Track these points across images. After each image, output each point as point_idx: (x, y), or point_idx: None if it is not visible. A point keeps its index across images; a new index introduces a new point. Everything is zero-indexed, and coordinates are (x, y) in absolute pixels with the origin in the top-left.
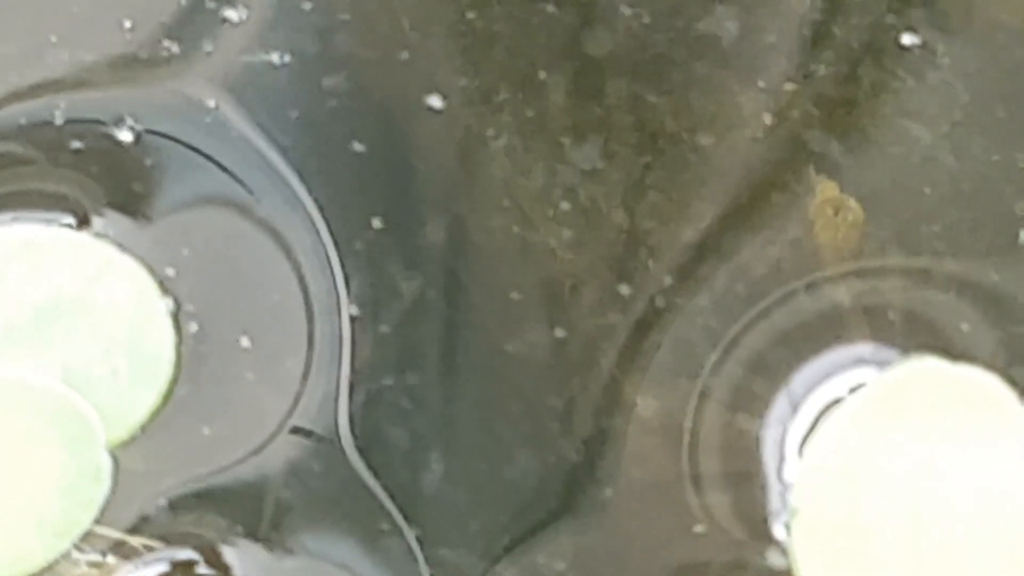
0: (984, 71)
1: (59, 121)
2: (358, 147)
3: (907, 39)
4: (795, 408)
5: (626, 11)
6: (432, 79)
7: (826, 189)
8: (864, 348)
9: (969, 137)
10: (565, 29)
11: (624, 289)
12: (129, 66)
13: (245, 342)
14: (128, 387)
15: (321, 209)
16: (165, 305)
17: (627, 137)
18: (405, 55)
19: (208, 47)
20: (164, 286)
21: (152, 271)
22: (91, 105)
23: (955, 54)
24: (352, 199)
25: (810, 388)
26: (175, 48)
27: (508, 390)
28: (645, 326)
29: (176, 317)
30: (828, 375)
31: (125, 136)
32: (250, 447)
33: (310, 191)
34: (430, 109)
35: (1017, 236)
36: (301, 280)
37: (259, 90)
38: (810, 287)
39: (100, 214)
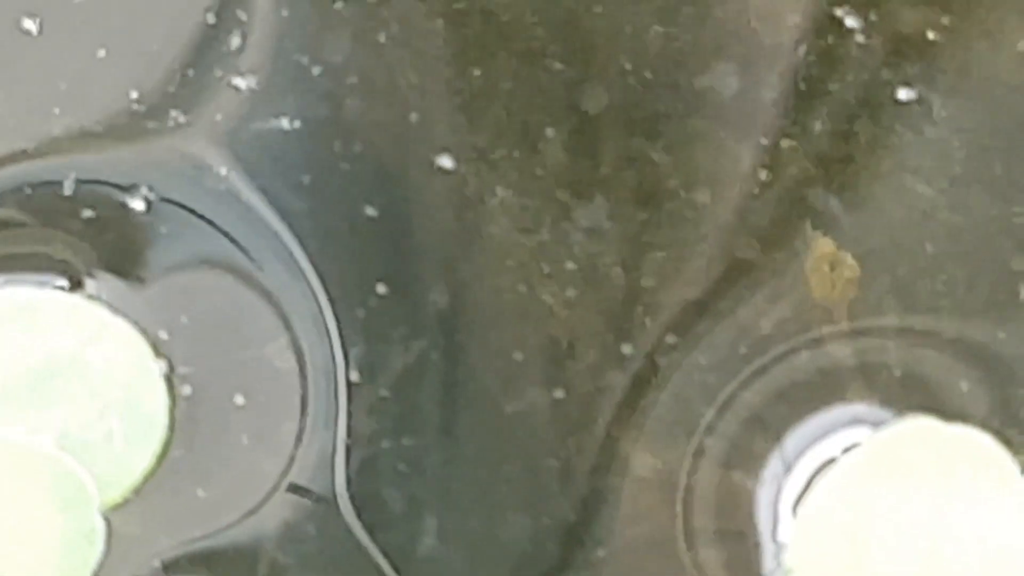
0: (981, 126)
1: (68, 191)
2: (370, 211)
3: (903, 94)
4: (789, 467)
5: (627, 66)
6: (442, 139)
7: (823, 246)
8: (860, 407)
9: (967, 193)
10: (569, 85)
11: (623, 347)
12: (138, 136)
13: (240, 403)
14: (122, 450)
15: (322, 275)
16: (159, 367)
17: (626, 194)
18: (415, 116)
19: (217, 115)
20: (158, 348)
21: (145, 333)
22: (101, 171)
23: (952, 109)
24: (359, 265)
25: (805, 447)
26: (182, 118)
27: (506, 451)
28: (643, 384)
29: (170, 379)
30: (823, 434)
31: (138, 204)
32: (245, 509)
33: (314, 257)
34: (441, 170)
35: (1015, 293)
36: (297, 345)
37: (270, 156)
38: (807, 345)
39: (93, 276)
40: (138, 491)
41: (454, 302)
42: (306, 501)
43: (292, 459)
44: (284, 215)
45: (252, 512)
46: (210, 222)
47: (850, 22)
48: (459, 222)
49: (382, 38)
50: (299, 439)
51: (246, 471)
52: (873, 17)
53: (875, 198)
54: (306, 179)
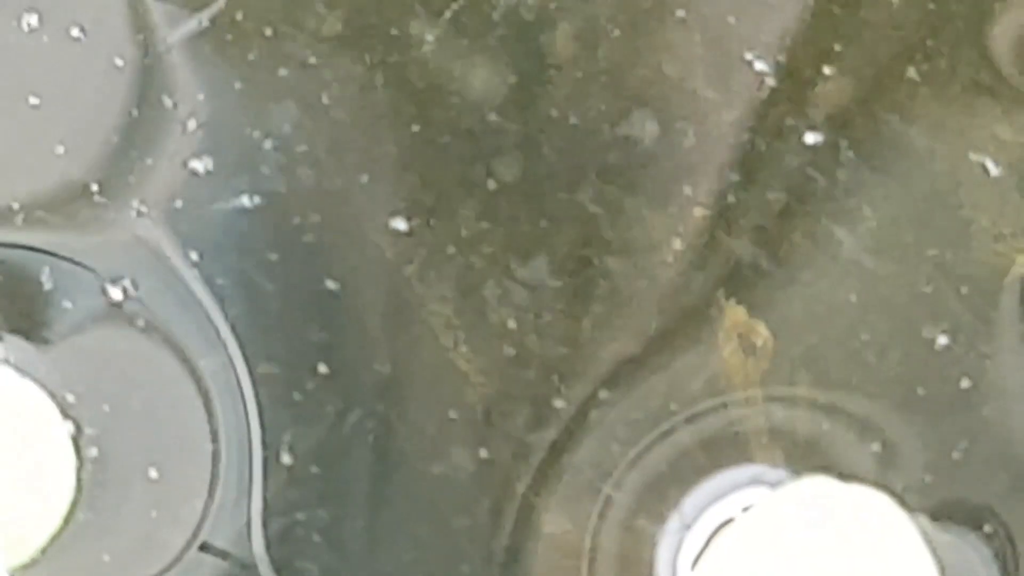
0: (892, 195)
1: (48, 286)
2: (331, 285)
3: (810, 138)
4: (688, 526)
5: (554, 113)
6: (393, 201)
7: (735, 314)
8: (760, 468)
9: (878, 261)
10: (507, 138)
11: (538, 411)
12: (101, 229)
13: (152, 473)
14: (28, 511)
15: (255, 355)
16: (66, 429)
17: (540, 262)
18: (365, 178)
19: (178, 202)
20: (65, 410)
21: (53, 395)
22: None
23: (863, 175)
24: (303, 343)
25: (705, 507)
26: (143, 207)
27: (425, 514)
28: (557, 446)
29: (76, 441)
30: (723, 494)
31: (116, 295)
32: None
33: (250, 335)
34: (395, 231)
35: (924, 360)
36: (212, 418)
37: (236, 236)
38: (715, 410)
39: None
40: (44, 552)
41: (391, 371)
42: (214, 565)
43: (197, 531)
44: (246, 296)
45: None
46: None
47: (760, 66)
48: (393, 290)
49: (325, 99)
50: (205, 513)
51: (152, 539)
52: (781, 59)
53: (787, 267)
54: (273, 256)
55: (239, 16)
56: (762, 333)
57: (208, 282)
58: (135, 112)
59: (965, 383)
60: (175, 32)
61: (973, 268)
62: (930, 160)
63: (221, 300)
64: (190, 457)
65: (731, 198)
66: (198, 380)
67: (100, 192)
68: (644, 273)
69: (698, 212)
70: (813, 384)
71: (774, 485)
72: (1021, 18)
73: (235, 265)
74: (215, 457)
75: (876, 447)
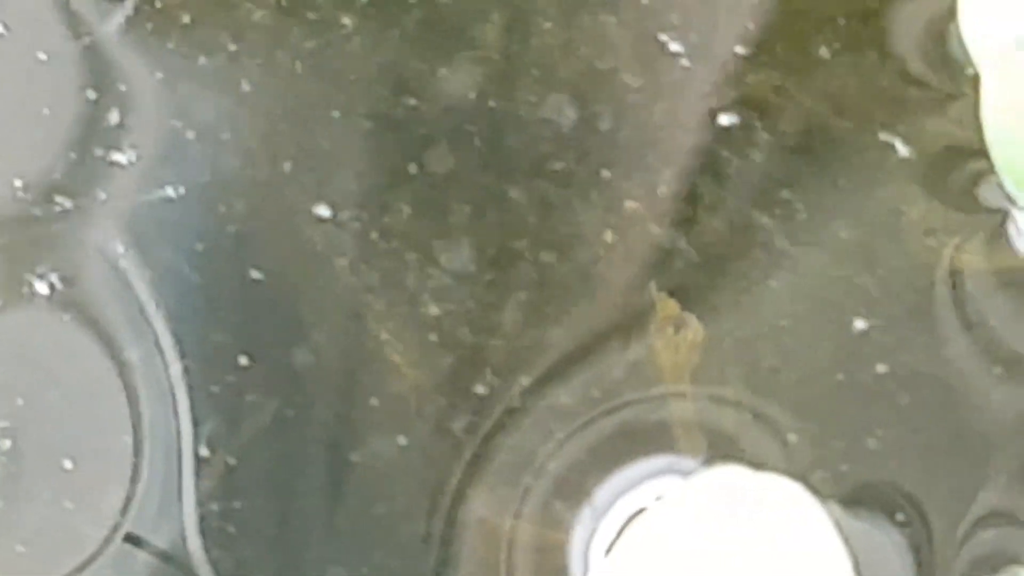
0: (820, 184)
1: None
2: (255, 275)
3: (724, 119)
4: (601, 516)
5: (486, 103)
6: (318, 189)
7: (667, 307)
8: (674, 459)
9: (808, 252)
10: (425, 122)
11: (462, 399)
12: (26, 224)
13: (67, 465)
14: None
15: (184, 346)
16: None
17: (475, 256)
18: (288, 165)
19: (102, 195)
20: None
21: None
22: None
23: (784, 162)
24: (227, 333)
25: (617, 497)
26: (68, 203)
27: (340, 503)
28: (480, 434)
29: None
30: (637, 483)
31: (42, 289)
32: (65, 568)
33: (179, 327)
34: (320, 219)
35: (856, 353)
36: (134, 410)
37: (161, 227)
38: (639, 402)
39: None
40: None
41: (314, 360)
42: (140, 557)
43: (119, 524)
44: (172, 287)
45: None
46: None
47: (674, 47)
48: (322, 276)
49: (246, 87)
50: (129, 505)
51: (69, 531)
52: (695, 39)
53: (719, 258)
54: (199, 247)
55: (158, 4)
56: (693, 325)
57: (134, 274)
58: (58, 106)
59: (881, 368)
60: (97, 25)
61: (902, 260)
62: (842, 140)
63: (147, 292)
64: (109, 449)
65: (662, 189)
66: (122, 372)
67: (24, 188)
68: (575, 265)
69: (629, 204)
70: (739, 376)
71: (687, 474)
72: None
73: (161, 256)
74: (136, 449)
75: (792, 437)
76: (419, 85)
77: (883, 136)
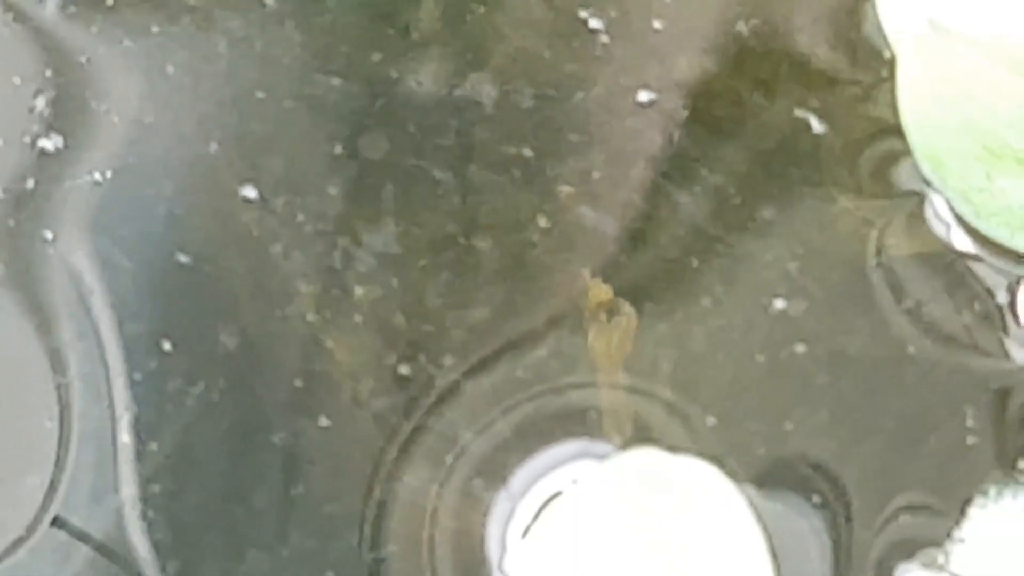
0: (737, 162)
1: None
2: (183, 258)
3: (643, 96)
4: (517, 500)
5: (413, 85)
6: (243, 169)
7: (600, 294)
8: (590, 443)
9: (734, 235)
10: (353, 104)
11: (391, 383)
12: None
13: None
14: None
15: (109, 332)
16: None
17: (404, 240)
18: (214, 147)
19: (31, 182)
20: None
21: None
22: None
23: (703, 140)
24: (154, 318)
25: (533, 481)
26: None
27: (259, 485)
28: (408, 416)
29: None
30: (552, 468)
31: None
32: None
33: (108, 313)
34: (247, 201)
35: (788, 338)
36: (61, 397)
37: (91, 213)
38: (569, 387)
39: None
40: None
41: (240, 343)
42: (70, 541)
43: (44, 509)
44: (101, 273)
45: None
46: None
47: (594, 23)
48: (249, 259)
49: (170, 69)
50: (53, 491)
51: None
52: (614, 14)
53: (651, 244)
54: (128, 231)
55: None
56: (627, 312)
57: (65, 260)
58: None
59: (800, 348)
60: (22, 10)
61: (823, 242)
62: (759, 118)
63: (77, 278)
64: (32, 434)
65: (596, 174)
66: (52, 360)
67: None
68: (508, 250)
69: (563, 189)
70: (668, 360)
71: (603, 458)
72: None
73: (91, 242)
74: (62, 435)
75: (712, 420)
76: (348, 67)
77: (800, 113)
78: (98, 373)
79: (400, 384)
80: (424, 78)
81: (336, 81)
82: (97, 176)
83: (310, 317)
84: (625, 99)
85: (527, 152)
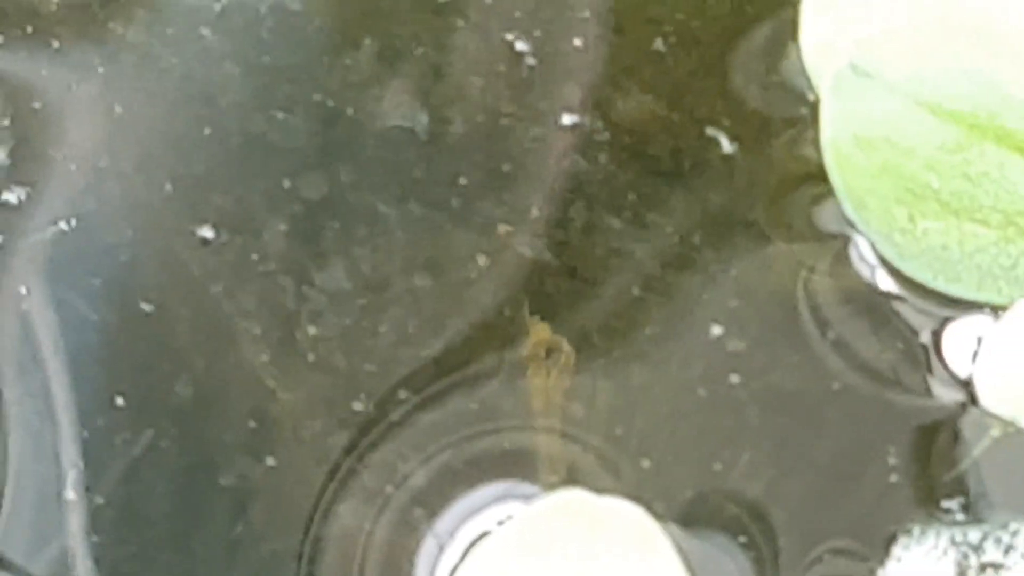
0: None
1: None
2: (146, 307)
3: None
4: (444, 542)
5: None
6: (197, 210)
7: (539, 331)
8: (515, 484)
9: (670, 270)
10: (297, 141)
11: (336, 421)
12: None
13: None
14: None
15: (63, 387)
16: None
17: (343, 279)
18: (169, 187)
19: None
20: None
21: None
22: None
23: (627, 163)
24: (112, 375)
25: (461, 522)
26: None
27: (199, 527)
28: (349, 454)
29: None
30: (478, 510)
31: None
32: None
33: (72, 367)
34: (204, 241)
35: (725, 369)
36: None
37: (58, 264)
38: (503, 428)
39: None
40: None
41: (192, 391)
42: None
43: None
44: (63, 328)
45: None
46: None
47: (520, 46)
48: (198, 302)
49: (119, 110)
50: None
51: None
52: (538, 34)
53: (589, 281)
54: (95, 281)
55: (29, 29)
56: (566, 350)
57: (36, 316)
58: None
59: (735, 378)
60: None
61: (757, 278)
62: (671, 135)
63: (46, 333)
64: None
65: (535, 212)
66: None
67: None
68: (448, 289)
69: (501, 228)
70: (604, 399)
71: (529, 499)
72: None
73: (60, 295)
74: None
75: (645, 462)
76: (290, 104)
77: (709, 131)
78: (48, 428)
79: (347, 423)
80: (364, 113)
81: (281, 115)
82: (63, 225)
83: (262, 359)
84: (551, 122)
85: (463, 182)
